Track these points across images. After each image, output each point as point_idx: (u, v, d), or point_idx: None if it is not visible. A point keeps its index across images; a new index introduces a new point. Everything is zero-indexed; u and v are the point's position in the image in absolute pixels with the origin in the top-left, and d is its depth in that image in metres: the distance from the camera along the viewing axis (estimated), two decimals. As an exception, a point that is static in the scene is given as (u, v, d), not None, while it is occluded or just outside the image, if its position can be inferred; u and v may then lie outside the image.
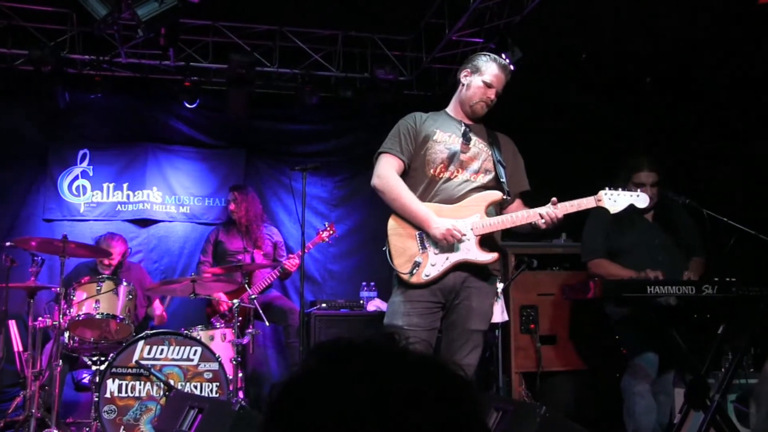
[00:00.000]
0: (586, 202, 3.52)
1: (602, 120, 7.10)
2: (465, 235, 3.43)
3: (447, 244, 3.41)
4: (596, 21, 6.05)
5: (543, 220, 3.42)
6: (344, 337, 0.99)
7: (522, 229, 3.57)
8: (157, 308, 6.07)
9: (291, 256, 6.30)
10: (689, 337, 4.07)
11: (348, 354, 0.95)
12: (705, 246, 4.58)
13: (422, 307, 3.43)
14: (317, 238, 6.11)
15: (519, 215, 3.48)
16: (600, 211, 3.64)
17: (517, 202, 3.67)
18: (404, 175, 3.60)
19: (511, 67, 3.73)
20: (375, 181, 3.58)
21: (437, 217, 3.43)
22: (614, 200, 3.54)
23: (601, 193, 3.54)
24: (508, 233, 3.69)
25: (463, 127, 3.62)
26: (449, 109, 3.75)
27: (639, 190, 4.29)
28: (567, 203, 3.49)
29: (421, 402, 0.90)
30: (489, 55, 3.67)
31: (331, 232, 6.14)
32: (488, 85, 3.61)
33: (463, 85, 3.68)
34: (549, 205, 3.46)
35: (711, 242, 4.46)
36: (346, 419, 0.88)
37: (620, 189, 3.57)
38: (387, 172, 3.55)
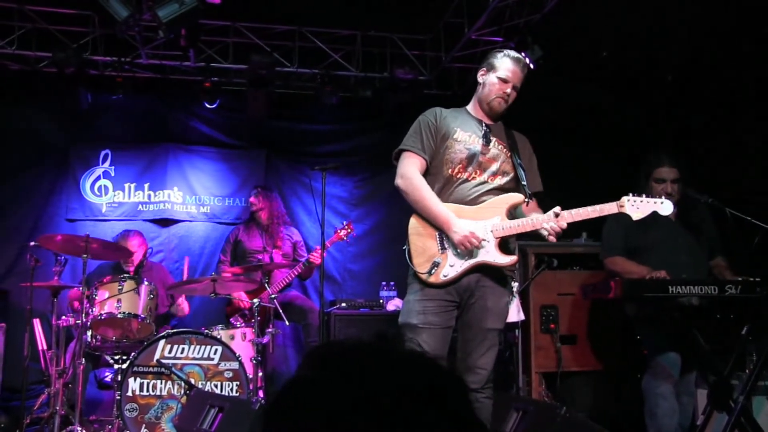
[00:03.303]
0: (608, 208, 3.46)
1: (623, 119, 7.05)
2: (484, 240, 3.41)
3: (465, 250, 3.39)
4: (617, 19, 6.00)
5: (546, 233, 3.39)
6: (335, 340, 1.00)
7: (533, 232, 3.55)
8: (183, 304, 6.10)
9: (316, 248, 6.22)
10: (712, 337, 4.02)
11: (335, 357, 0.95)
12: (724, 247, 4.54)
13: (438, 306, 3.41)
14: (335, 236, 6.07)
15: (536, 220, 3.43)
16: None
17: (533, 204, 3.64)
18: (424, 173, 3.59)
19: (527, 61, 3.70)
20: (398, 181, 3.57)
21: (458, 220, 3.41)
22: (637, 207, 3.47)
23: (624, 198, 3.46)
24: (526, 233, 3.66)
25: (484, 128, 3.61)
26: (469, 108, 3.73)
27: (659, 186, 4.26)
28: (589, 208, 3.44)
29: (409, 400, 0.89)
30: (503, 51, 3.66)
31: (349, 230, 6.09)
32: (504, 81, 3.58)
33: (480, 84, 3.68)
34: (551, 213, 3.41)
35: (734, 241, 4.41)
36: (335, 422, 0.87)
37: (644, 195, 3.49)
38: (411, 172, 3.54)
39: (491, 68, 3.62)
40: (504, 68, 3.58)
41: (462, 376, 0.98)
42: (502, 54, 3.63)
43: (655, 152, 4.53)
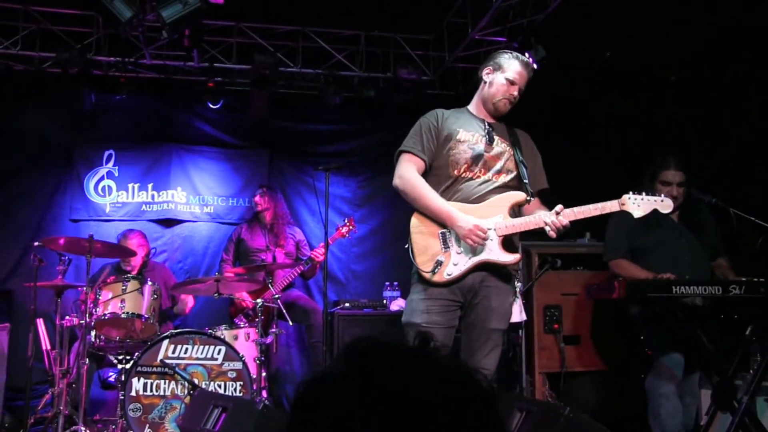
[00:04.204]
0: (610, 206, 3.48)
1: (626, 119, 7.03)
2: (489, 231, 3.41)
3: (473, 243, 3.38)
4: (621, 19, 5.99)
5: (548, 228, 3.39)
6: (371, 336, 0.96)
7: (537, 230, 3.55)
8: (187, 298, 6.11)
9: (320, 245, 6.19)
10: (716, 337, 4.01)
11: (365, 355, 0.93)
12: (727, 247, 4.53)
13: (441, 305, 3.42)
14: (337, 233, 6.07)
15: (538, 218, 3.44)
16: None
17: (536, 201, 3.64)
18: (426, 173, 3.58)
19: (534, 65, 3.71)
20: (396, 181, 3.58)
21: (461, 214, 3.42)
22: (638, 204, 3.48)
23: (625, 197, 3.48)
24: (531, 231, 3.66)
25: (487, 127, 3.61)
26: (471, 107, 3.73)
27: (665, 189, 4.25)
28: (591, 206, 3.45)
29: (432, 412, 0.87)
30: (511, 53, 3.66)
31: (350, 227, 6.10)
32: (511, 83, 3.59)
33: (486, 82, 3.67)
34: (553, 211, 3.41)
35: (738, 242, 4.40)
36: (349, 423, 0.86)
37: (644, 193, 3.50)
38: (408, 172, 3.54)
39: (498, 68, 3.61)
40: (512, 70, 3.58)
41: (492, 387, 0.94)
42: (509, 55, 3.63)
43: (661, 154, 4.51)
